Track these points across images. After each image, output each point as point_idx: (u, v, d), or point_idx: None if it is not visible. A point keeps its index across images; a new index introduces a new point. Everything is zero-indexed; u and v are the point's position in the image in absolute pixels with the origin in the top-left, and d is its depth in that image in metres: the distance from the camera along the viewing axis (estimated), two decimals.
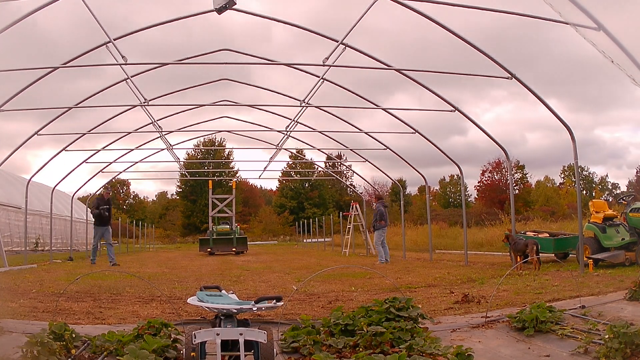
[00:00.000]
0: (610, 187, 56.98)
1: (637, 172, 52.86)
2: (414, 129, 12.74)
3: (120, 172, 20.39)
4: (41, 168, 14.73)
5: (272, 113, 14.76)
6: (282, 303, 3.24)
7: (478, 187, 53.07)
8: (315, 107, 12.61)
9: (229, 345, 2.99)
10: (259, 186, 70.08)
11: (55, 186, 17.73)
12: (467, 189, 52.14)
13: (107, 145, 15.80)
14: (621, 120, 72.58)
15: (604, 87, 66.11)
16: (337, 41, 8.83)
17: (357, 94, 12.18)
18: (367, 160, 17.08)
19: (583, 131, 74.67)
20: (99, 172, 18.73)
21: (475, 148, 60.07)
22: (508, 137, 66.76)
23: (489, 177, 51.88)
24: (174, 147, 17.15)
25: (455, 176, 56.62)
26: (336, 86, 11.71)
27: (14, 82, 9.60)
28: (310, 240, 33.16)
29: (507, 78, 8.72)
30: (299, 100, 12.04)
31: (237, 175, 36.03)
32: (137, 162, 18.58)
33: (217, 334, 2.89)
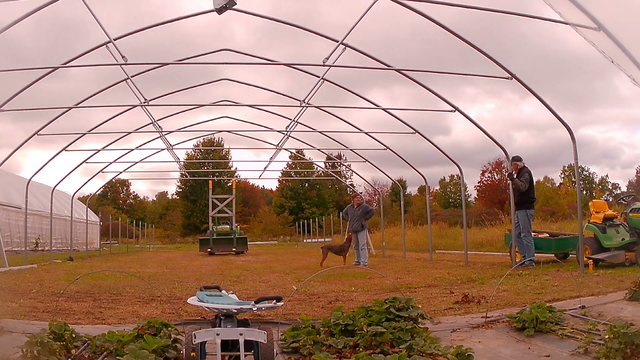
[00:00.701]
0: (611, 188, 57.03)
1: (637, 172, 52.91)
2: (414, 129, 12.75)
3: (120, 173, 20.39)
4: (41, 168, 14.74)
5: (272, 113, 14.78)
6: (282, 303, 3.24)
7: (478, 187, 53.11)
8: (316, 107, 12.62)
9: (229, 345, 2.99)
10: (259, 186, 70.14)
11: (56, 186, 17.73)
12: (467, 189, 52.16)
13: (107, 146, 15.80)
14: (609, 119, 72.14)
15: (587, 84, 65.78)
16: (337, 41, 8.84)
17: (356, 94, 12.20)
18: (367, 160, 17.08)
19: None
20: (99, 172, 18.73)
21: (460, 147, 59.47)
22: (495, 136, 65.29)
23: (489, 177, 51.90)
24: (174, 147, 17.16)
25: (456, 176, 56.67)
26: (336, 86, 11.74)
27: (14, 82, 9.60)
28: (310, 240, 33.17)
29: (507, 78, 8.71)
30: (299, 100, 12.05)
31: (237, 175, 36.04)
32: (137, 162, 18.58)
33: (217, 334, 2.89)
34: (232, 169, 39.55)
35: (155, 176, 48.72)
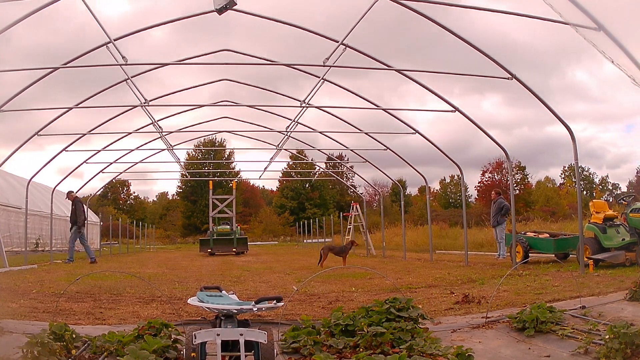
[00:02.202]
0: (611, 188, 57.00)
1: (637, 173, 52.89)
2: (414, 129, 12.74)
3: (121, 173, 20.39)
4: (41, 168, 14.73)
5: (273, 113, 14.78)
6: (283, 303, 3.24)
7: (478, 188, 53.07)
8: (316, 107, 12.62)
9: (229, 346, 2.99)
10: (259, 186, 70.16)
11: (56, 186, 17.73)
12: (467, 189, 52.14)
13: (107, 146, 15.80)
14: (577, 116, 70.51)
15: (532, 79, 65.43)
16: (337, 41, 8.84)
17: (355, 94, 12.20)
18: (367, 160, 17.08)
19: (532, 128, 73.02)
20: (99, 172, 18.73)
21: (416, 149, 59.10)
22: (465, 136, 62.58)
23: (489, 177, 51.88)
24: (174, 147, 17.16)
25: (456, 176, 56.68)
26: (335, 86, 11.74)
27: (15, 82, 9.60)
28: (310, 240, 33.17)
29: (508, 78, 8.71)
30: (300, 101, 12.05)
31: (238, 175, 35.98)
32: (137, 163, 18.57)
33: (218, 335, 2.89)
34: (235, 169, 39.57)
35: (155, 176, 48.85)
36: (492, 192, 14.18)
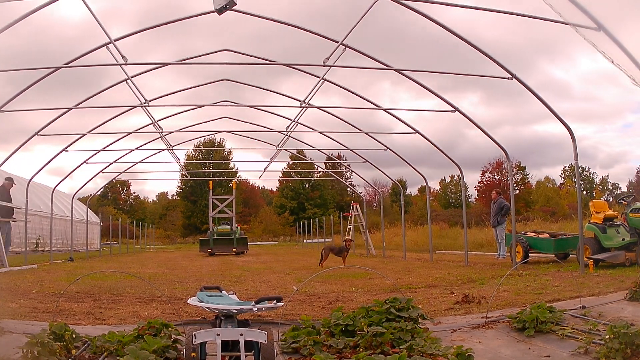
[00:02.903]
0: (611, 188, 57.01)
1: (637, 173, 52.88)
2: (414, 129, 12.74)
3: (121, 173, 20.39)
4: (41, 168, 14.75)
5: (273, 113, 14.78)
6: (283, 303, 3.24)
7: (478, 188, 53.07)
8: (316, 107, 12.62)
9: (229, 346, 2.99)
10: (259, 186, 70.15)
11: (56, 186, 17.74)
12: (467, 189, 52.12)
13: (107, 146, 15.80)
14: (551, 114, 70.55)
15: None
16: (337, 42, 8.84)
17: (356, 94, 12.20)
18: (367, 160, 17.08)
19: (515, 127, 71.95)
20: (99, 172, 18.73)
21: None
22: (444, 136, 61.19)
23: (489, 177, 51.88)
24: (174, 147, 17.16)
25: (456, 176, 56.67)
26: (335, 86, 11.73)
27: (15, 82, 9.60)
28: (310, 240, 33.17)
29: (508, 78, 8.71)
30: (300, 101, 12.05)
31: (238, 175, 36.02)
32: (137, 163, 18.57)
33: (218, 335, 2.89)
34: (234, 169, 39.59)
35: (155, 176, 48.84)
36: (493, 192, 14.42)
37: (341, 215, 23.93)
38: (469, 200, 51.97)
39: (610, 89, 67.79)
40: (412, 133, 12.83)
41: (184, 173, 28.04)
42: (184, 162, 26.84)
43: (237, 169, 37.93)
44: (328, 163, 27.81)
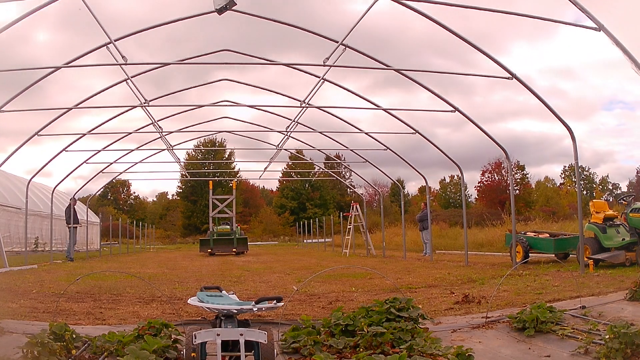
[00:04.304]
0: (611, 188, 57.01)
1: (637, 172, 52.89)
2: (414, 129, 12.74)
3: (121, 173, 20.39)
4: (41, 168, 14.74)
5: (273, 113, 14.78)
6: (283, 303, 3.24)
7: (478, 188, 53.06)
8: (316, 107, 12.62)
9: (229, 346, 2.99)
10: (259, 186, 70.14)
11: (56, 187, 17.73)
12: (467, 189, 52.10)
13: (107, 146, 15.80)
14: (521, 112, 69.06)
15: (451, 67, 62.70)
16: (337, 42, 8.84)
17: (356, 94, 12.21)
18: (367, 160, 17.08)
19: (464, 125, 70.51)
20: (99, 172, 18.73)
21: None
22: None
23: (489, 177, 51.87)
24: (174, 147, 17.16)
25: (456, 176, 56.65)
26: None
27: (15, 82, 9.60)
28: (310, 240, 33.15)
29: (508, 78, 8.72)
30: (299, 101, 12.05)
31: (238, 175, 35.98)
32: (137, 163, 18.57)
33: (218, 335, 2.89)
34: (235, 169, 39.54)
35: (155, 176, 48.81)
36: (422, 204, 17.29)
37: (341, 215, 23.92)
38: (469, 200, 52.02)
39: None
40: (412, 133, 12.83)
41: (184, 173, 28.03)
42: (184, 162, 26.85)
43: (238, 170, 37.88)
44: (328, 163, 27.79)
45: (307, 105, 12.01)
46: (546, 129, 74.93)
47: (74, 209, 16.78)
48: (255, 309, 3.13)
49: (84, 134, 13.95)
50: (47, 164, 14.55)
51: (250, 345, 2.97)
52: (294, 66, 11.23)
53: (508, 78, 8.71)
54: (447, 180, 59.85)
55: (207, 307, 3.16)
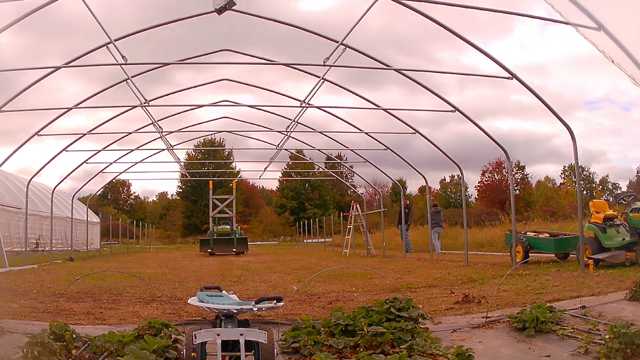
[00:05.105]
0: (611, 187, 56.99)
1: (637, 172, 52.91)
2: (414, 129, 12.74)
3: (121, 173, 20.39)
4: (41, 168, 14.73)
5: (273, 113, 14.78)
6: (283, 303, 3.24)
7: (478, 188, 53.08)
8: (316, 107, 12.62)
9: (229, 346, 2.99)
10: (259, 186, 70.12)
11: (56, 187, 17.73)
12: (467, 189, 52.09)
13: (107, 146, 15.80)
14: (500, 111, 68.30)
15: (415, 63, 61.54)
16: (337, 42, 8.84)
17: (356, 94, 12.21)
18: (367, 160, 17.08)
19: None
20: (99, 172, 18.73)
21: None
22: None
23: (489, 177, 51.88)
24: (174, 147, 17.16)
25: (456, 176, 56.64)
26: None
27: (15, 82, 9.59)
28: (310, 240, 33.15)
29: (508, 78, 8.71)
30: (300, 101, 12.05)
31: (238, 175, 35.98)
32: (137, 163, 18.57)
33: (218, 335, 2.89)
34: (235, 169, 39.53)
35: (155, 176, 48.82)
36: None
37: (341, 215, 23.91)
38: (469, 200, 52.01)
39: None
40: (412, 133, 12.83)
41: (184, 173, 28.04)
42: (184, 162, 26.84)
43: (239, 170, 37.91)
44: (328, 163, 27.78)
45: (307, 105, 12.01)
46: (532, 128, 74.77)
47: None
48: (255, 309, 3.13)
49: (84, 134, 13.96)
50: (47, 163, 14.57)
51: (250, 345, 2.97)
52: (293, 66, 11.22)
53: (508, 78, 8.70)
54: (447, 180, 59.90)
55: (207, 307, 3.16)
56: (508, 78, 8.70)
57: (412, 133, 12.83)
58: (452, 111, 10.69)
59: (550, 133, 71.28)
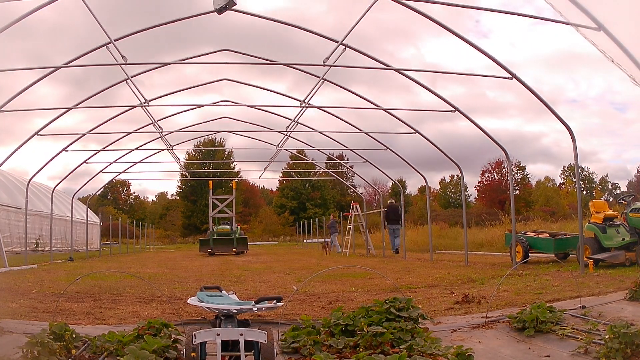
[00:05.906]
0: (611, 188, 56.98)
1: (637, 172, 52.91)
2: (414, 129, 12.74)
3: (120, 173, 20.39)
4: (41, 168, 14.74)
5: (273, 113, 14.78)
6: (283, 303, 3.24)
7: (478, 188, 53.09)
8: (316, 107, 12.62)
9: (229, 346, 2.99)
10: (259, 186, 70.11)
11: (56, 186, 17.73)
12: (467, 189, 52.09)
13: (107, 146, 15.80)
14: (477, 109, 67.19)
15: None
16: (337, 42, 8.85)
17: (356, 94, 12.21)
18: (367, 160, 17.07)
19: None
20: (99, 172, 18.73)
21: None
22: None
23: (489, 177, 51.89)
24: (174, 147, 17.15)
25: (456, 176, 56.64)
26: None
27: (15, 81, 9.60)
28: (310, 240, 33.15)
29: (508, 78, 8.72)
30: (299, 101, 12.05)
31: (238, 175, 35.96)
32: (137, 163, 18.57)
33: (218, 335, 2.89)
34: (235, 169, 39.50)
35: (155, 176, 48.81)
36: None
37: (341, 215, 23.90)
38: (469, 200, 52.01)
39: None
40: (412, 133, 12.84)
41: (184, 173, 28.04)
42: (184, 162, 26.84)
43: (239, 170, 37.91)
44: (328, 163, 27.77)
45: (307, 105, 12.01)
46: (517, 127, 74.39)
47: None
48: (255, 309, 3.13)
49: (84, 134, 13.96)
50: (47, 163, 14.57)
51: (250, 345, 2.97)
52: (294, 66, 11.23)
53: (508, 78, 8.71)
54: (447, 180, 59.91)
55: (207, 307, 3.16)
56: (508, 78, 8.71)
57: (412, 133, 12.84)
58: (452, 111, 10.70)
59: (537, 132, 71.22)
